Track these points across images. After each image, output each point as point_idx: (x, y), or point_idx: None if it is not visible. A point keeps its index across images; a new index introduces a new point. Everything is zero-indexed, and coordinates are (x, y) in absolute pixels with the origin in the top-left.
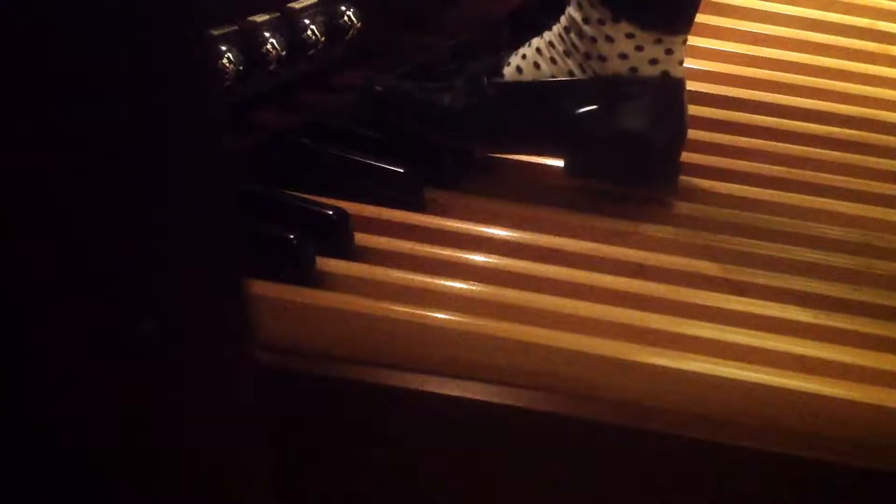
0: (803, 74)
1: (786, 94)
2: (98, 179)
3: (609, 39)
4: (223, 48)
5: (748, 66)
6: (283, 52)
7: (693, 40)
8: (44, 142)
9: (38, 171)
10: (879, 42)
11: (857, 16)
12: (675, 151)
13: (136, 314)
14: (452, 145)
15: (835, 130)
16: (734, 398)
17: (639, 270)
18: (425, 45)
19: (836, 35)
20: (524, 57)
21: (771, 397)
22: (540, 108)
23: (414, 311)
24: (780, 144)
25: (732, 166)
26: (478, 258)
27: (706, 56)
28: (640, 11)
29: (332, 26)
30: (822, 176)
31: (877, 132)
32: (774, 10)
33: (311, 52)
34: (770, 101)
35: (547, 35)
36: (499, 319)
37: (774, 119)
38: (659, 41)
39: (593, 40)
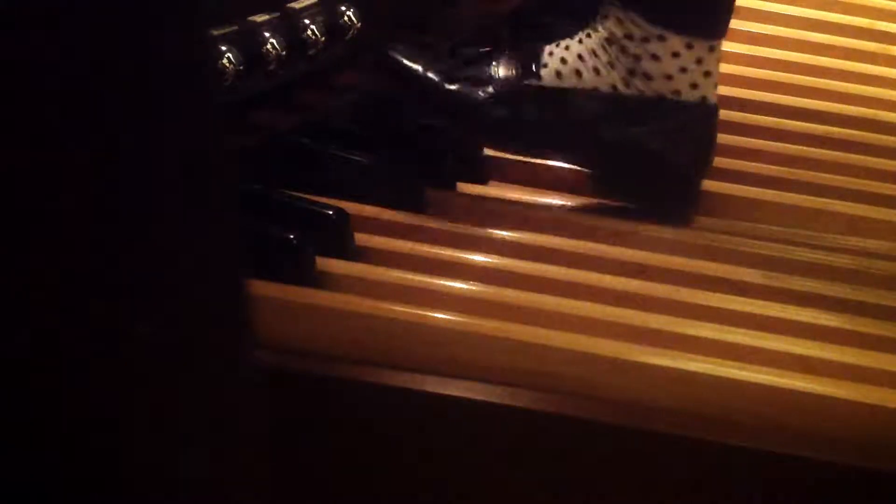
0: (803, 74)
1: (786, 94)
2: (98, 179)
3: (655, 58)
4: (223, 48)
5: (748, 66)
6: (283, 52)
7: None
8: (44, 142)
9: (38, 171)
10: (879, 42)
11: (856, 16)
12: (700, 175)
13: (136, 314)
14: (472, 141)
15: (835, 130)
16: (734, 398)
17: (639, 270)
18: (425, 45)
19: (836, 35)
20: (563, 61)
21: (771, 397)
22: (578, 118)
23: (414, 311)
24: (780, 144)
25: (732, 166)
26: (478, 258)
27: None
28: (683, 18)
29: (332, 26)
30: (822, 176)
31: (877, 132)
32: (774, 10)
33: (311, 52)
34: (770, 101)
35: (587, 42)
36: (499, 319)
37: (774, 119)
38: (699, 61)
39: (637, 58)
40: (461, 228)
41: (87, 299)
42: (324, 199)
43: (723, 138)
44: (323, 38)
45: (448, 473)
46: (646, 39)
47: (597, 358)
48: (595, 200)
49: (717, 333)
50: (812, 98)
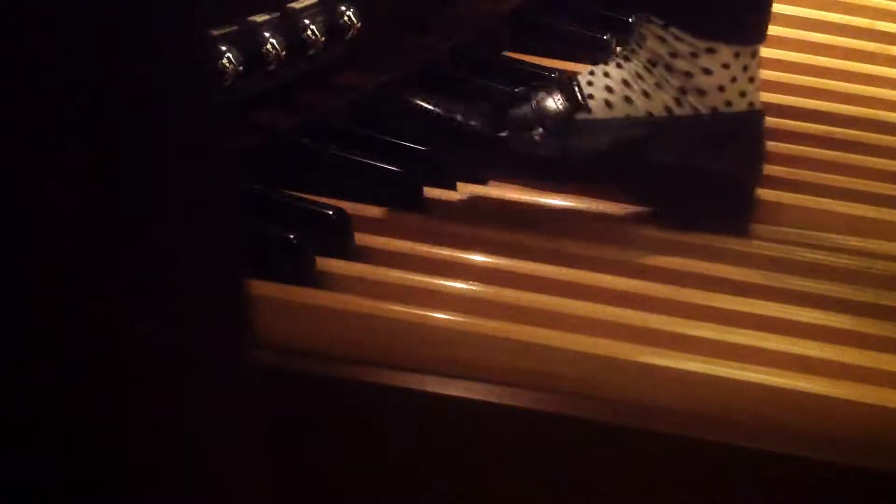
0: (803, 74)
1: (786, 94)
2: (98, 179)
3: (707, 72)
4: (223, 48)
5: None
6: (283, 52)
7: None
8: (44, 142)
9: (39, 171)
10: (879, 42)
11: (856, 16)
12: (755, 184)
13: (136, 314)
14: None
15: (835, 130)
16: (734, 398)
17: (639, 270)
18: (425, 45)
19: (836, 35)
20: (609, 90)
21: (771, 397)
22: (633, 146)
23: (414, 311)
24: (781, 144)
25: None
26: (478, 258)
27: None
28: (730, 27)
29: (332, 26)
30: (822, 176)
31: (877, 132)
32: (775, 10)
33: (311, 52)
34: (770, 101)
35: (628, 66)
36: (499, 319)
37: (774, 119)
38: (745, 68)
39: (688, 75)
40: (461, 228)
41: (87, 299)
42: (324, 199)
43: None
44: (323, 38)
45: (448, 473)
46: (695, 55)
47: (597, 358)
48: (595, 201)
49: (717, 333)
50: (812, 98)
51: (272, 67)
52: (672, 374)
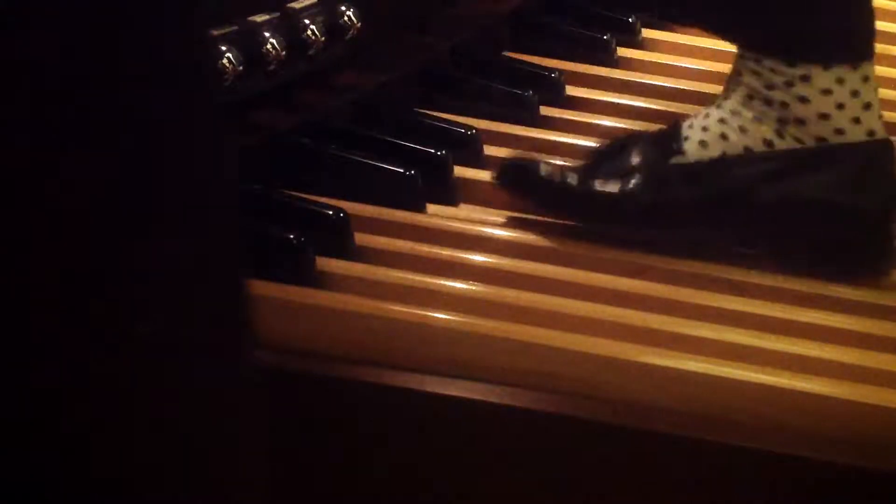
0: None
1: None
2: (98, 179)
3: (803, 101)
4: (223, 48)
5: None
6: (283, 52)
7: (693, 40)
8: (44, 142)
9: (38, 171)
10: (879, 42)
11: None
12: (889, 223)
13: (136, 314)
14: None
15: None
16: (734, 398)
17: (639, 270)
18: (425, 45)
19: None
20: (704, 129)
21: (771, 397)
22: (734, 185)
23: (414, 311)
24: None
25: None
26: (478, 258)
27: (707, 56)
28: (824, 50)
29: (332, 26)
30: None
31: None
32: None
33: (311, 52)
34: None
35: (726, 105)
36: (499, 319)
37: None
38: (855, 93)
39: (784, 105)
40: (461, 228)
41: (87, 299)
42: (324, 199)
43: None
44: (323, 38)
45: (448, 473)
46: (789, 84)
47: (597, 358)
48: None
49: (717, 333)
50: None
51: (272, 67)
52: (672, 374)
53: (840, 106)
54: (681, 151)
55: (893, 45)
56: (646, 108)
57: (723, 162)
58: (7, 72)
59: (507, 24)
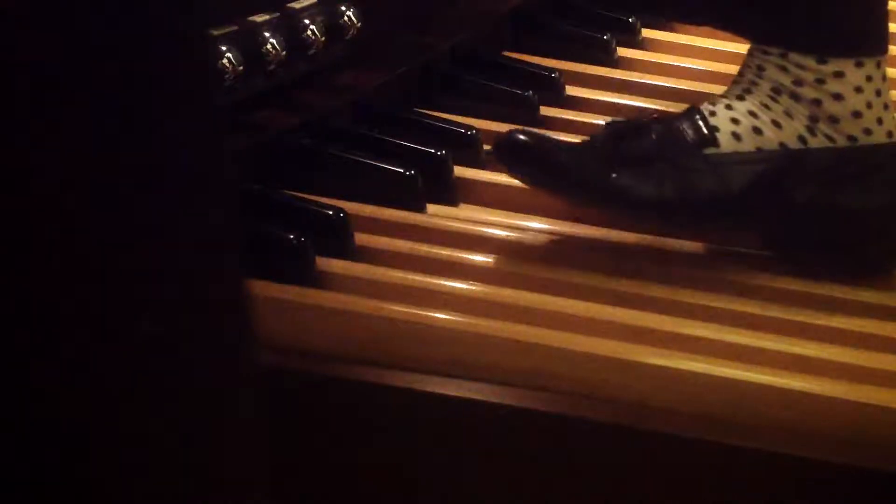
0: None
1: None
2: (98, 180)
3: (838, 98)
4: (223, 48)
5: None
6: (283, 52)
7: (694, 40)
8: (44, 142)
9: (38, 171)
10: None
11: None
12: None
13: (136, 315)
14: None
15: None
16: (734, 398)
17: (639, 270)
18: (425, 45)
19: None
20: (735, 121)
21: (771, 397)
22: (766, 182)
23: (414, 311)
24: None
25: None
26: (478, 258)
27: (707, 56)
28: (860, 46)
29: (332, 26)
30: None
31: None
32: None
33: (311, 52)
34: None
35: (750, 97)
36: (499, 319)
37: None
38: (878, 93)
39: (817, 102)
40: (461, 228)
41: (87, 299)
42: (324, 199)
43: None
44: (323, 38)
45: (448, 473)
46: (821, 81)
47: (597, 358)
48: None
49: (717, 333)
50: None
51: (272, 67)
52: (672, 374)
53: (869, 105)
54: (715, 142)
55: (893, 45)
56: (646, 108)
57: (758, 155)
58: (6, 72)
59: (507, 24)
